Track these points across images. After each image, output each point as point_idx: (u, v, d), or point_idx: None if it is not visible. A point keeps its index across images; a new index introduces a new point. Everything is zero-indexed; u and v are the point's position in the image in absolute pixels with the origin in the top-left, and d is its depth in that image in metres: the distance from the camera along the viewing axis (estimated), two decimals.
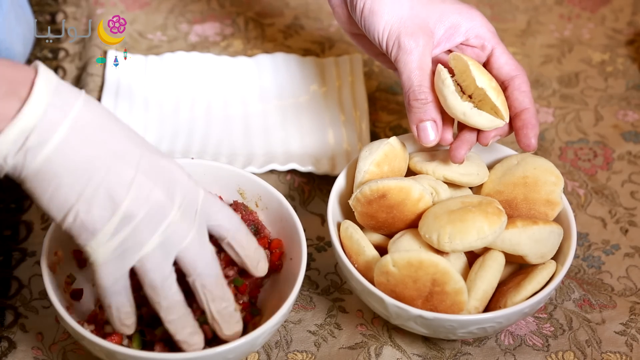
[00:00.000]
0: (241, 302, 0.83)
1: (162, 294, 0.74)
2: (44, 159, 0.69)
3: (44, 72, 0.70)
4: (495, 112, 0.86)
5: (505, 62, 0.89)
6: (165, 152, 1.03)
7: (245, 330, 0.80)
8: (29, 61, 1.12)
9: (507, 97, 0.88)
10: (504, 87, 0.89)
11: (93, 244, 0.71)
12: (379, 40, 0.89)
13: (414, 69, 0.87)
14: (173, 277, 0.74)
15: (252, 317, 0.84)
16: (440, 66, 0.86)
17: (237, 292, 0.83)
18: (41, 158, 0.69)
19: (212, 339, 0.81)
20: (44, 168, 0.69)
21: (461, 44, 0.90)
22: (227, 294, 0.77)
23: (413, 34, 0.87)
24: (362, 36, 0.94)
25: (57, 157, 0.69)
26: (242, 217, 0.88)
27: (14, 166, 0.70)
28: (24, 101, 0.68)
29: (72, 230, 0.71)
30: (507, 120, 0.87)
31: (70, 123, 0.69)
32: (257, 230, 0.89)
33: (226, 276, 0.82)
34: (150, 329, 0.80)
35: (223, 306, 0.77)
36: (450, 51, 0.91)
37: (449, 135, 0.88)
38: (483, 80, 0.85)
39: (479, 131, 0.88)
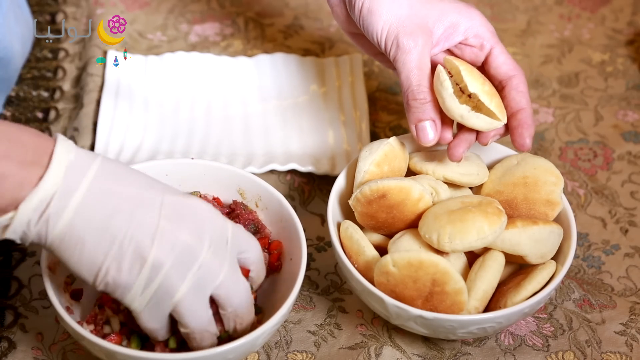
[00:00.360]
0: None
1: (198, 335, 0.75)
2: (66, 223, 0.70)
3: (63, 141, 0.71)
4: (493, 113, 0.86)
5: (503, 61, 0.89)
6: (166, 153, 1.03)
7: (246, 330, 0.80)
8: (28, 61, 1.12)
9: (504, 97, 0.88)
10: (501, 86, 0.89)
11: (129, 298, 0.72)
12: (377, 39, 0.89)
13: (413, 69, 0.87)
14: (209, 317, 0.75)
15: None
16: (439, 67, 0.86)
17: None
18: (63, 223, 0.70)
19: None
20: (67, 232, 0.70)
21: (460, 43, 0.90)
22: (252, 313, 0.79)
23: (412, 34, 0.87)
24: (361, 35, 0.94)
25: (78, 220, 0.70)
26: (241, 217, 0.88)
27: (38, 234, 0.70)
28: (46, 168, 0.69)
29: (106, 289, 0.72)
30: (505, 121, 0.87)
31: (88, 184, 0.70)
32: (257, 229, 0.89)
33: None
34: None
35: (249, 321, 0.79)
36: (449, 50, 0.91)
37: (448, 135, 0.88)
38: (475, 86, 0.85)
39: (478, 131, 0.88)
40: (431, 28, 0.88)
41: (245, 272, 0.79)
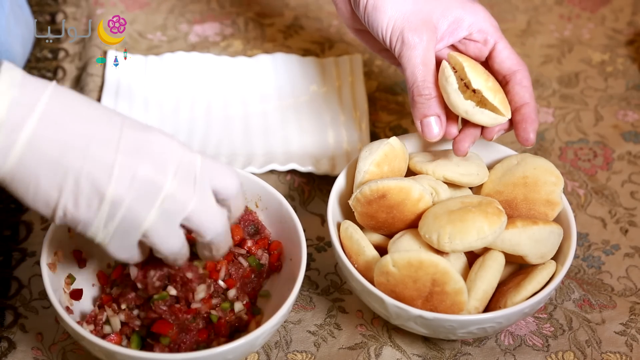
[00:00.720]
0: (244, 302, 0.84)
1: (172, 257, 0.75)
2: (16, 159, 0.68)
3: (7, 70, 0.69)
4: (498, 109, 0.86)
5: (507, 56, 0.89)
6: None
7: (247, 330, 0.80)
8: (29, 61, 1.12)
9: (507, 92, 0.88)
10: (505, 81, 0.89)
11: (91, 232, 0.71)
12: (382, 36, 0.89)
13: (418, 64, 0.87)
14: (181, 243, 0.74)
15: (253, 317, 0.84)
16: (444, 63, 0.86)
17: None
18: (12, 159, 0.68)
19: (212, 339, 0.81)
20: (19, 167, 0.68)
21: (464, 38, 0.90)
22: (230, 242, 0.78)
23: (417, 29, 0.87)
24: (365, 32, 0.94)
25: (30, 154, 0.68)
26: (241, 217, 0.88)
27: None
28: None
29: (66, 223, 0.71)
30: (509, 116, 0.87)
31: (38, 117, 0.68)
32: (257, 230, 0.89)
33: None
34: (155, 340, 0.80)
35: (225, 250, 0.78)
36: (453, 46, 0.91)
37: (454, 130, 0.89)
38: (479, 82, 0.85)
39: (483, 126, 0.88)
40: (435, 24, 0.88)
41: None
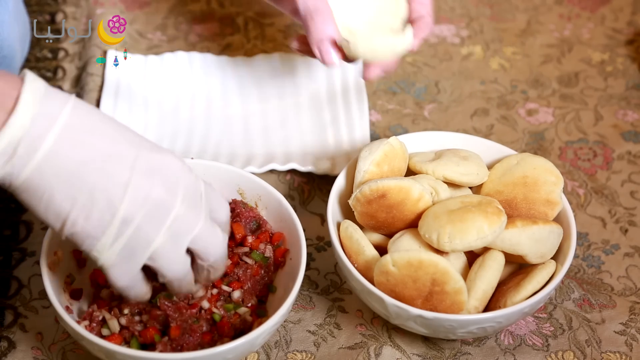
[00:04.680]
0: (249, 304, 0.83)
1: (177, 283, 0.75)
2: (34, 168, 0.69)
3: (31, 81, 0.69)
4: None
5: None
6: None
7: (250, 331, 0.80)
8: (27, 60, 1.12)
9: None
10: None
11: (98, 249, 0.71)
12: None
13: None
14: (187, 267, 0.75)
15: (257, 318, 0.83)
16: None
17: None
18: (30, 168, 0.68)
19: (212, 339, 0.81)
20: (34, 178, 0.69)
21: None
22: (225, 266, 0.79)
23: None
24: None
25: (47, 166, 0.69)
26: (242, 215, 0.88)
27: (3, 178, 0.69)
28: (10, 112, 0.68)
29: (74, 238, 0.71)
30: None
31: (59, 130, 0.69)
32: (259, 225, 0.89)
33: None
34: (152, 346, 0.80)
35: (221, 272, 0.79)
36: None
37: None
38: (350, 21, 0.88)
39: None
40: None
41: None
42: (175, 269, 0.74)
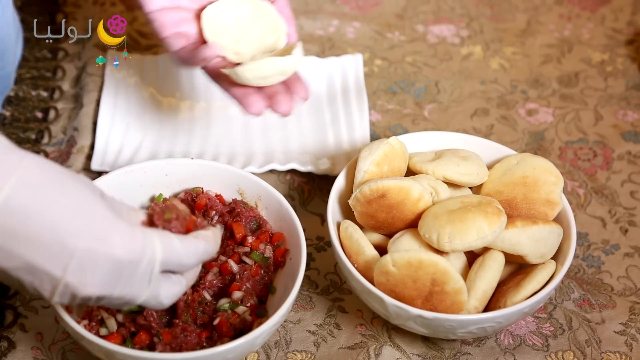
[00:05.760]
0: (249, 304, 0.83)
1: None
2: None
3: None
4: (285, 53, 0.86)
5: None
6: (166, 153, 1.03)
7: (250, 331, 0.80)
8: (27, 60, 1.11)
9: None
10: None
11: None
12: None
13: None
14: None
15: (257, 318, 0.83)
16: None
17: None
18: None
19: (212, 339, 0.81)
20: None
21: None
22: (194, 278, 0.77)
23: None
24: None
25: None
26: (242, 215, 0.88)
27: None
28: None
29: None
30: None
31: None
32: (259, 225, 0.89)
33: (204, 297, 0.84)
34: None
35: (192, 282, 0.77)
36: None
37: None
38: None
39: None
40: None
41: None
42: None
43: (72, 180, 0.68)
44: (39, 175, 0.66)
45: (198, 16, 0.88)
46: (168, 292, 0.73)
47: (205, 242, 0.74)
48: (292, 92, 0.86)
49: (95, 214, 0.67)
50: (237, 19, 0.88)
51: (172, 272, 0.73)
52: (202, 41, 0.87)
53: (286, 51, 0.87)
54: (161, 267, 0.71)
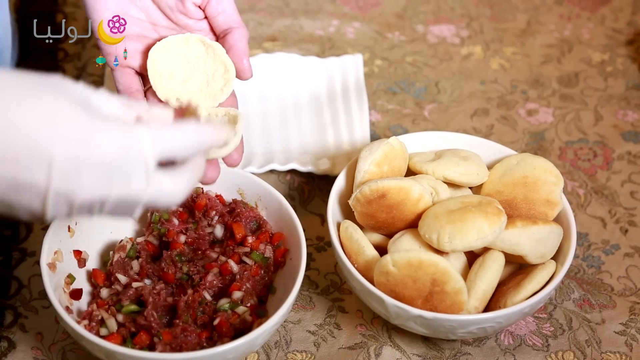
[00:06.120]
0: (249, 304, 0.83)
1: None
2: None
3: None
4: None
5: (222, 10, 0.86)
6: None
7: (250, 331, 0.80)
8: (27, 60, 1.12)
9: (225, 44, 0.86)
10: (223, 34, 0.86)
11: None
12: None
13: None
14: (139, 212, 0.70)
15: (257, 318, 0.83)
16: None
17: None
18: None
19: (212, 340, 0.81)
20: None
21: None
22: (201, 172, 0.73)
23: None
24: None
25: None
26: (242, 215, 0.88)
27: None
28: None
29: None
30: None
31: None
32: (259, 225, 0.89)
33: (205, 298, 0.84)
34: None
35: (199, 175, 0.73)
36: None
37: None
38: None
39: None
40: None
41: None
42: (134, 216, 0.70)
43: (38, 86, 0.65)
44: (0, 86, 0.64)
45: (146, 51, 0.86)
46: (172, 187, 0.69)
47: (198, 126, 0.70)
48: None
49: (68, 117, 0.64)
50: (186, 58, 0.86)
51: (174, 167, 0.70)
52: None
53: (231, 117, 0.84)
54: (155, 159, 0.67)
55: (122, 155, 0.65)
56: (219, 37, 0.87)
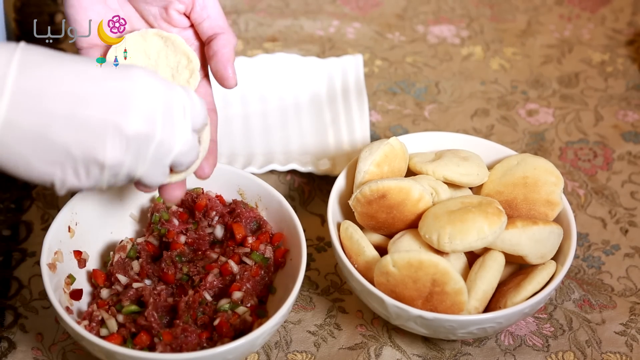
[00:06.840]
0: (249, 305, 0.83)
1: (155, 187, 0.75)
2: None
3: None
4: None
5: (207, 16, 0.84)
6: None
7: (250, 331, 0.80)
8: None
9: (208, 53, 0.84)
10: (208, 40, 0.84)
11: (90, 189, 0.70)
12: None
13: None
14: (166, 175, 0.73)
15: (257, 318, 0.83)
16: None
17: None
18: None
19: (212, 340, 0.81)
20: (1, 148, 0.65)
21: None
22: (196, 155, 0.75)
23: None
24: None
25: (8, 134, 0.64)
26: (242, 215, 0.88)
27: None
28: None
29: (69, 190, 0.69)
30: None
31: (10, 91, 0.64)
32: (259, 226, 0.89)
33: (205, 298, 0.84)
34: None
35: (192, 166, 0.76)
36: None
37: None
38: None
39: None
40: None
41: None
42: (156, 181, 0.72)
43: (71, 56, 0.70)
44: (40, 54, 0.69)
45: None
46: (195, 143, 0.73)
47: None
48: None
49: (105, 82, 0.67)
50: (147, 54, 0.84)
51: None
52: None
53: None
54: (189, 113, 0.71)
55: (167, 100, 0.69)
56: (205, 43, 0.84)
